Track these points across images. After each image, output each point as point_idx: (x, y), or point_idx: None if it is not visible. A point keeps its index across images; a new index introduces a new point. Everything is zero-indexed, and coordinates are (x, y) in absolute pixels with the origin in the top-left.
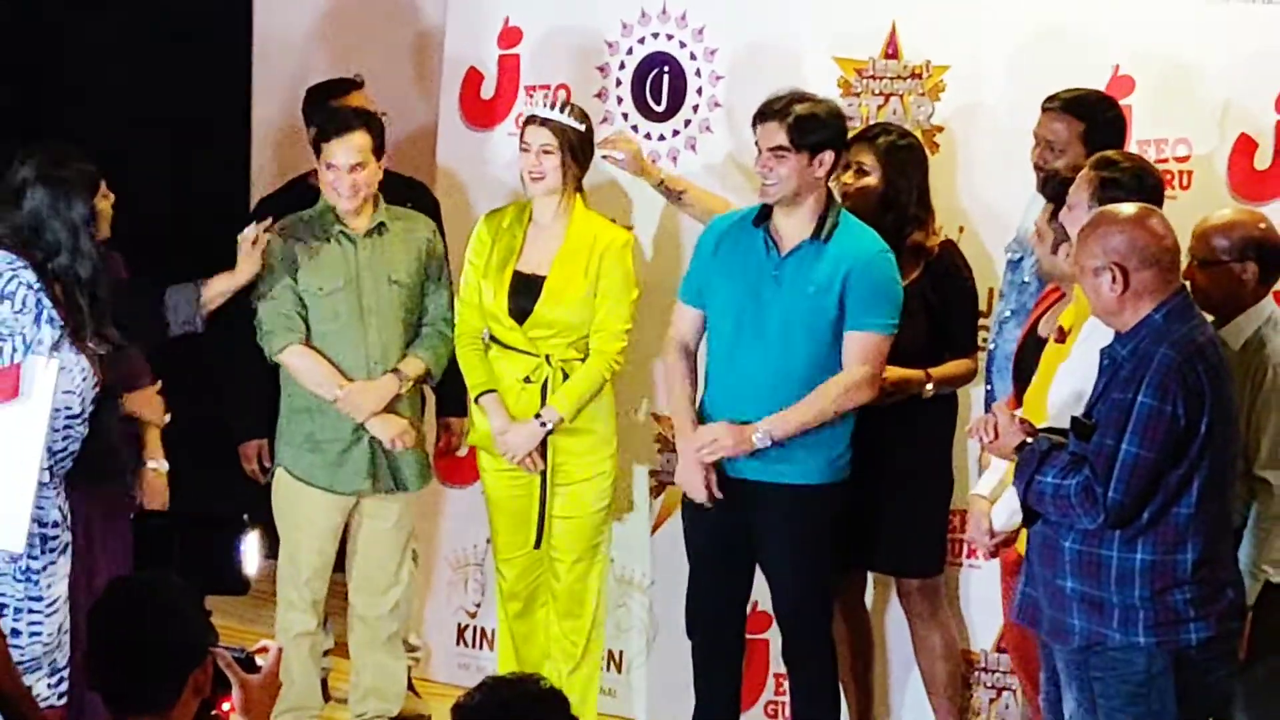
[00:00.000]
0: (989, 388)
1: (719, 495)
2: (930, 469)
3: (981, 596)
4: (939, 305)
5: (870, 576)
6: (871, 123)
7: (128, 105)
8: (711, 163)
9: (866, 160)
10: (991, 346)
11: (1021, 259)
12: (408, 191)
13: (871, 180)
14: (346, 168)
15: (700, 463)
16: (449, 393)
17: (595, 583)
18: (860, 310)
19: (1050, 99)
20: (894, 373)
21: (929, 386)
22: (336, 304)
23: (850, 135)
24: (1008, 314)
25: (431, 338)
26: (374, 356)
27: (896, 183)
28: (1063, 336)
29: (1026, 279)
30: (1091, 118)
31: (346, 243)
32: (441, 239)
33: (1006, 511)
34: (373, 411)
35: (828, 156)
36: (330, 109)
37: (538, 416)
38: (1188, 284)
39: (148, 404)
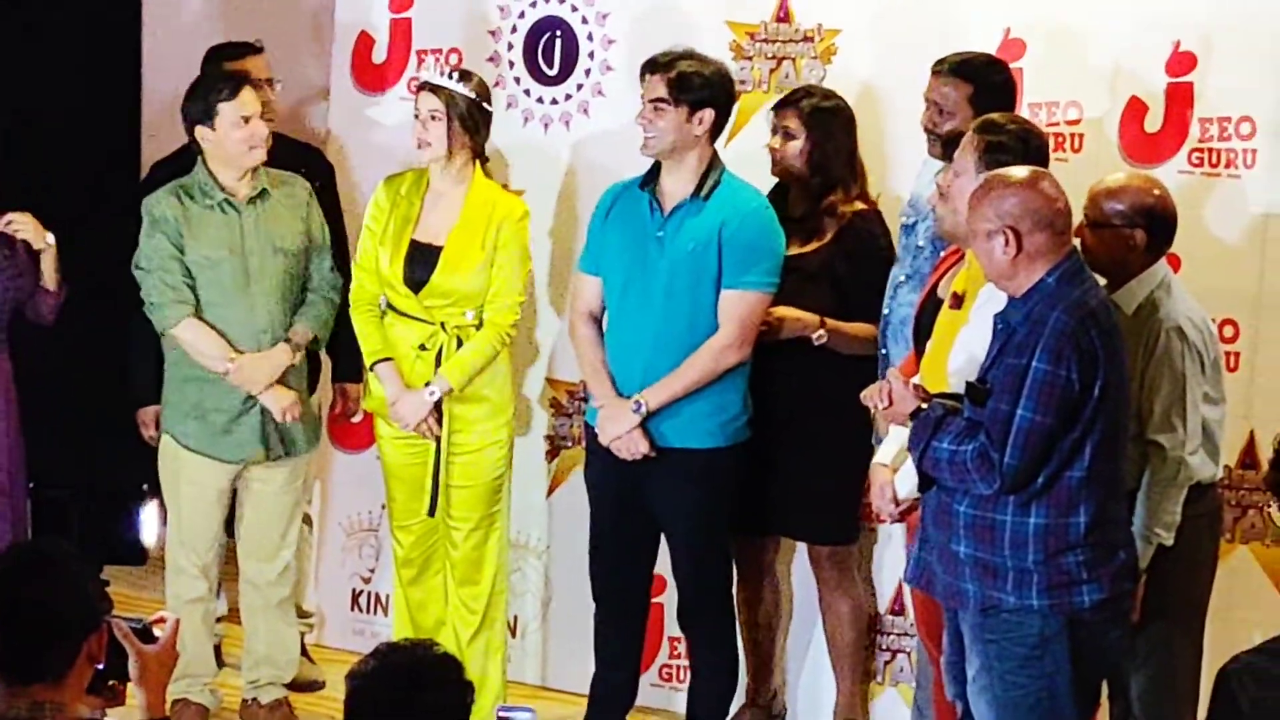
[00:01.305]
0: (883, 352)
1: (650, 452)
2: (847, 436)
3: (878, 560)
4: (847, 273)
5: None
6: (796, 87)
7: (16, 74)
8: (604, 127)
9: (791, 124)
10: (886, 311)
11: (915, 223)
12: (302, 156)
13: (797, 143)
14: (258, 115)
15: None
16: (345, 357)
17: (493, 549)
18: (735, 268)
19: (939, 62)
20: (785, 311)
21: (821, 332)
22: (222, 274)
23: (777, 100)
24: (902, 278)
25: (317, 304)
26: (261, 326)
27: (823, 145)
28: (958, 302)
29: (921, 243)
30: (979, 80)
31: (230, 210)
32: (320, 201)
33: (910, 480)
34: (267, 384)
35: (708, 115)
36: (224, 71)
37: (427, 385)
38: (1078, 243)
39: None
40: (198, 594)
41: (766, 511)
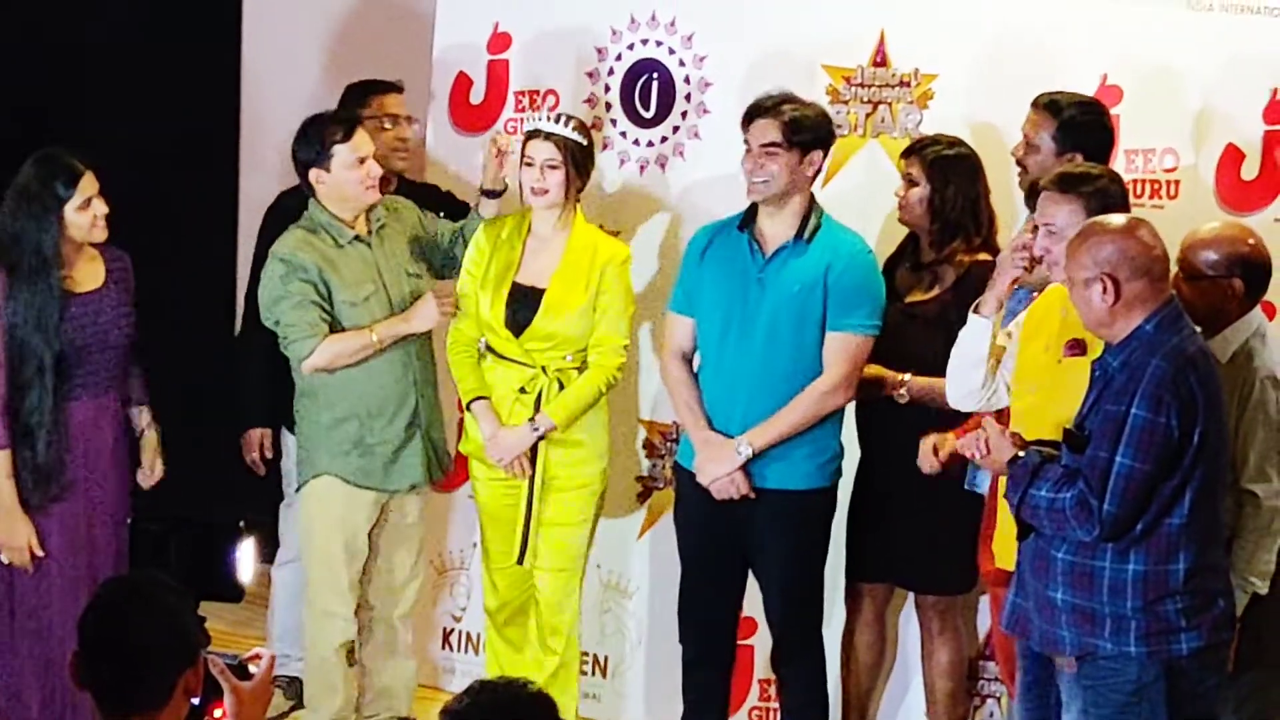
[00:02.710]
0: None
1: (751, 494)
2: (960, 484)
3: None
4: (961, 321)
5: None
6: (925, 135)
7: (117, 111)
8: (700, 170)
9: (915, 171)
10: None
11: None
12: (438, 198)
13: (919, 190)
14: (372, 156)
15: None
16: None
17: (573, 594)
18: (840, 310)
19: (1039, 96)
20: (869, 369)
21: (902, 391)
22: (372, 310)
23: (906, 147)
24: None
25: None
26: (406, 355)
27: (943, 192)
28: (1083, 350)
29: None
30: (1063, 118)
31: (361, 246)
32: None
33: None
34: (416, 317)
35: (817, 156)
36: (335, 114)
37: (530, 421)
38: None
39: None
40: (348, 637)
41: (880, 559)
